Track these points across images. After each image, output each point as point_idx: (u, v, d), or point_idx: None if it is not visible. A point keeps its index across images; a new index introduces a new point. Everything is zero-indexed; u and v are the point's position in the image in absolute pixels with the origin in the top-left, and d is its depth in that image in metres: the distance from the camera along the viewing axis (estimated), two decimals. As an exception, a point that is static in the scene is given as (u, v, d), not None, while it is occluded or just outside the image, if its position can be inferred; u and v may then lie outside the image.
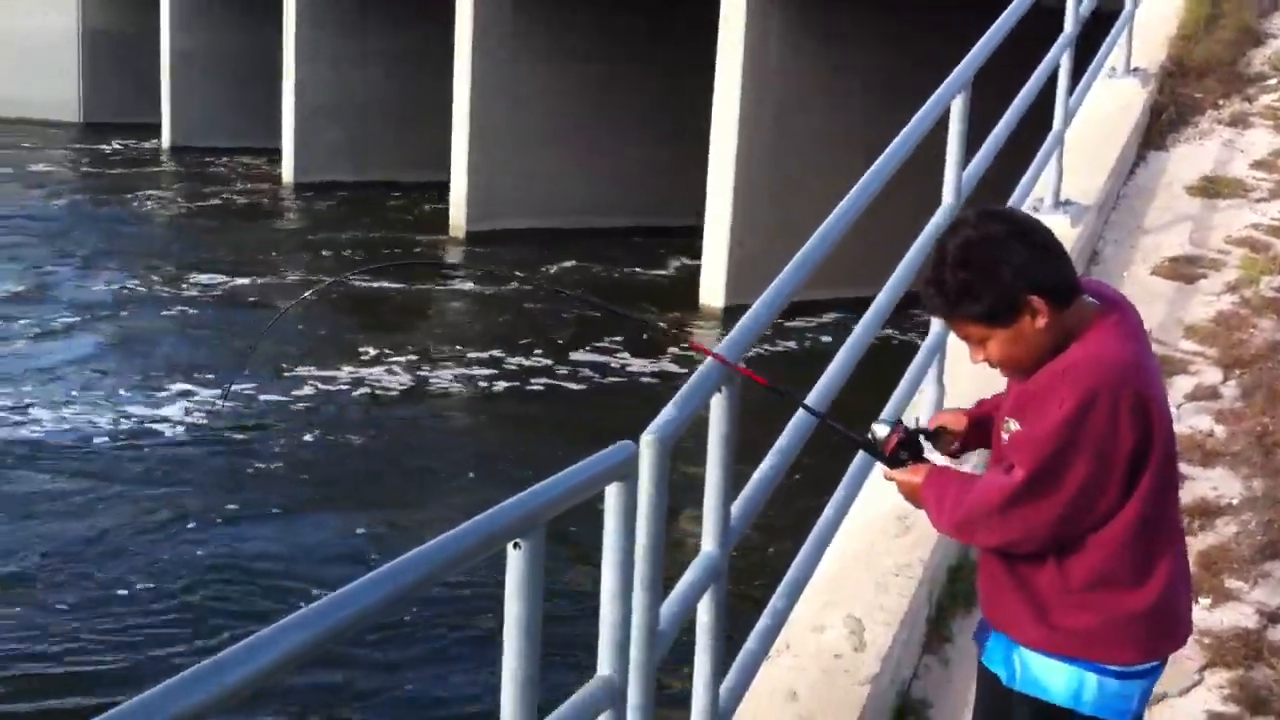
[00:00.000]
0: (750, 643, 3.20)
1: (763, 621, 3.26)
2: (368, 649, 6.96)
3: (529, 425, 11.22)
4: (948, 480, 2.67)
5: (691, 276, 15.69)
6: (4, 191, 21.25)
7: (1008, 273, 2.44)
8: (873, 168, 3.93)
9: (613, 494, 2.28)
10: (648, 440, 2.38)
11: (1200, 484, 4.77)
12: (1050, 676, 2.57)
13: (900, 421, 2.78)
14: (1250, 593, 4.28)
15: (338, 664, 6.75)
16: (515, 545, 1.98)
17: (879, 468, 4.13)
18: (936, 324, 4.58)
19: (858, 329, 3.88)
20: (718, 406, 2.73)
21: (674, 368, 12.87)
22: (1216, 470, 4.82)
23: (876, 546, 4.27)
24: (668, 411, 2.48)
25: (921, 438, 2.82)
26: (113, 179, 23.14)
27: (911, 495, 2.75)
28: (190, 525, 8.63)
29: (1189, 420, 5.11)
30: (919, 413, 4.51)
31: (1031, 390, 2.51)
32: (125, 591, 7.67)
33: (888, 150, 4.06)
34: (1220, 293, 6.18)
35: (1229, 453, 4.93)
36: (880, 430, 2.77)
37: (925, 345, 4.57)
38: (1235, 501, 4.69)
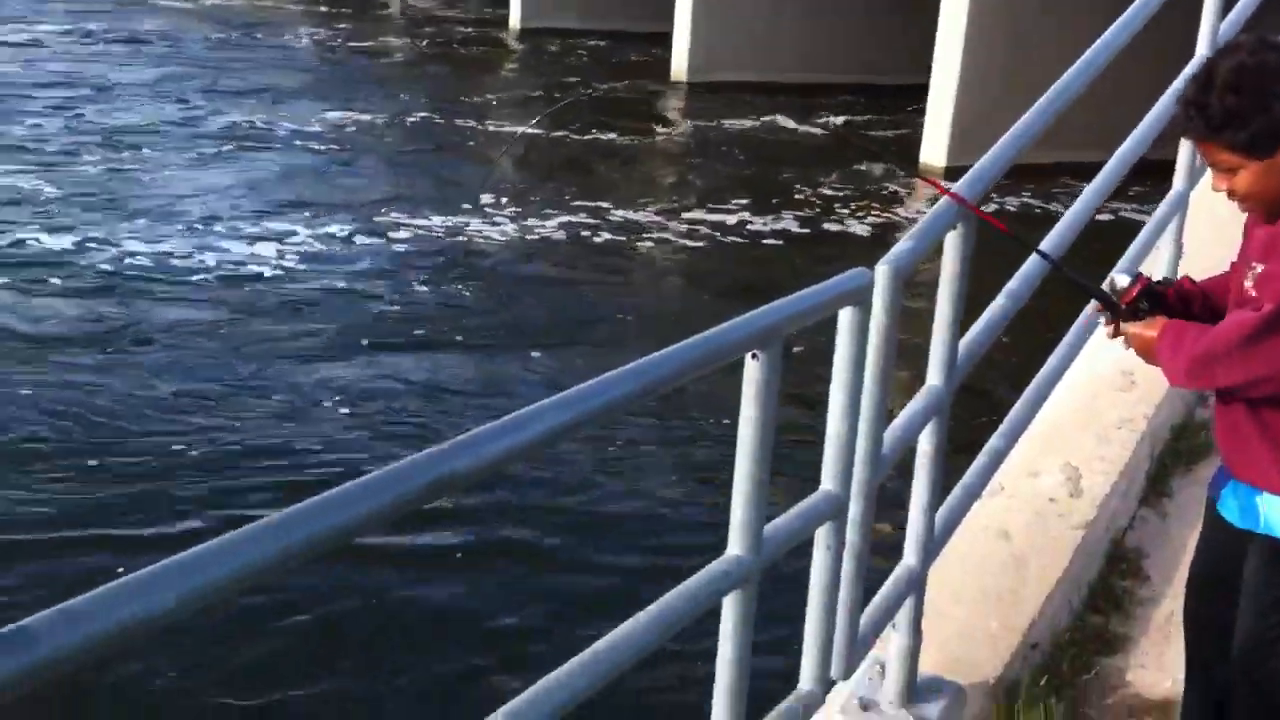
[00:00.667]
0: (967, 478, 3.26)
1: (980, 459, 3.31)
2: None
3: (751, 268, 11.40)
4: (1186, 327, 2.62)
5: (913, 135, 15.40)
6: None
7: (1278, 106, 2.41)
8: (1119, 21, 3.83)
9: (846, 317, 2.36)
10: (883, 268, 2.44)
11: None
12: None
13: (1143, 273, 2.74)
14: None
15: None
16: (754, 356, 2.09)
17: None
18: (1180, 180, 4.47)
19: (1097, 180, 3.82)
20: (952, 243, 2.76)
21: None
22: None
23: (1099, 400, 4.26)
24: (904, 243, 2.53)
25: (1158, 291, 2.76)
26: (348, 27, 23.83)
27: (1145, 348, 2.68)
28: (386, 350, 9.04)
29: None
30: (1153, 272, 4.43)
31: (1267, 234, 2.49)
32: (328, 401, 8.14)
33: (1124, 16, 3.94)
34: None
35: None
36: (1121, 280, 2.73)
37: (1167, 200, 4.47)
38: None
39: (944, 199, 2.71)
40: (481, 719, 1.61)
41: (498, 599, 6.09)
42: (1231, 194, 2.55)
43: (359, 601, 5.98)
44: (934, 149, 14.64)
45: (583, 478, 7.27)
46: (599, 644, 1.94)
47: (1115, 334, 2.77)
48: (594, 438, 7.52)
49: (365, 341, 9.14)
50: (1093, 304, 2.82)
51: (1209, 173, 2.69)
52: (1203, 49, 4.62)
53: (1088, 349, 3.97)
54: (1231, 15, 4.76)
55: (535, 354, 9.24)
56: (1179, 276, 2.98)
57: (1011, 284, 3.27)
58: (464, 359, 9.03)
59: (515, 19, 22.97)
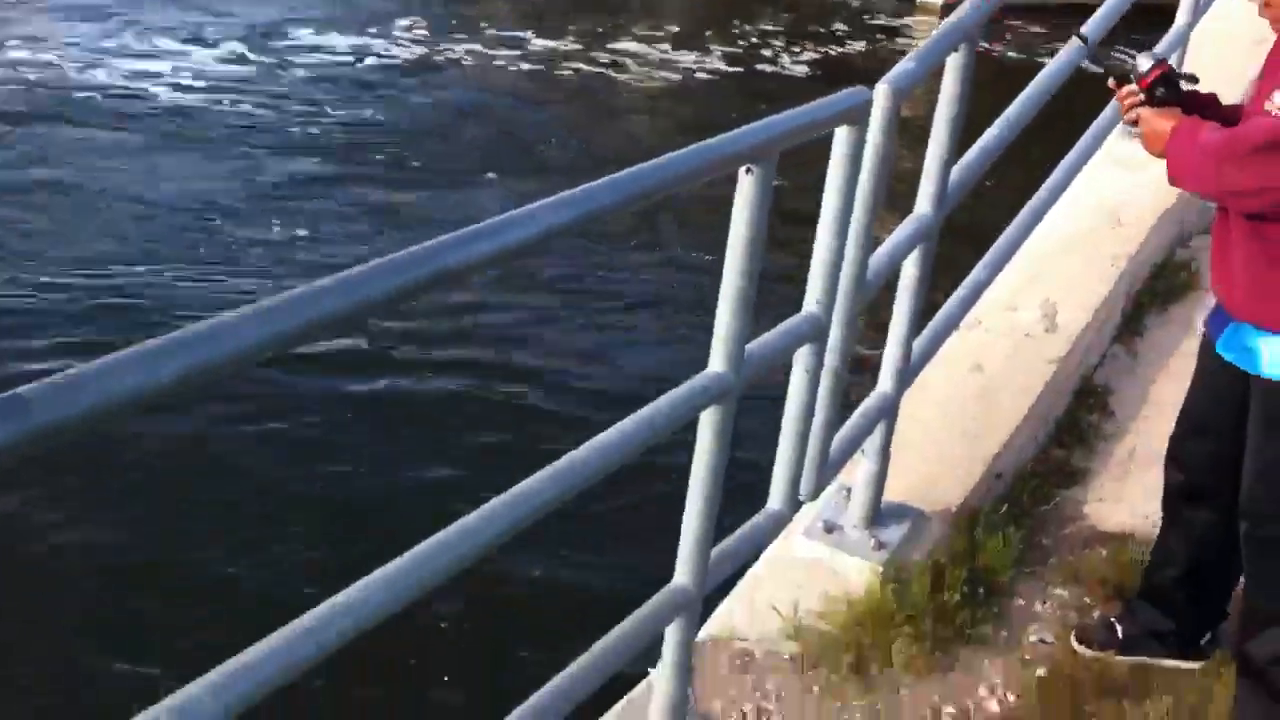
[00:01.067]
0: (946, 308, 3.26)
1: (961, 290, 3.31)
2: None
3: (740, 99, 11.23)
4: (1202, 123, 2.55)
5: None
6: None
7: None
8: None
9: (841, 136, 2.31)
10: (882, 88, 2.39)
11: None
12: None
13: (1165, 60, 2.66)
14: None
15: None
16: (748, 170, 2.05)
17: (1101, 153, 4.07)
18: (1183, 15, 4.39)
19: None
20: (953, 66, 2.71)
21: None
22: None
23: (1082, 236, 4.25)
24: (905, 64, 2.47)
25: (1184, 84, 2.69)
26: None
27: (1156, 137, 2.59)
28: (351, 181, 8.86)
29: None
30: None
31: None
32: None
33: None
34: None
35: None
36: (1144, 63, 2.65)
37: (1168, 35, 4.40)
38: None
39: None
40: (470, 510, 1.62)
41: (480, 417, 6.12)
42: (1266, 8, 2.50)
43: (331, 406, 6.00)
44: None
45: (570, 292, 7.26)
46: (581, 450, 1.95)
47: (1132, 120, 2.68)
48: (583, 248, 7.50)
49: (281, 171, 8.80)
50: (1112, 82, 2.74)
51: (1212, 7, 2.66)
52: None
53: (1077, 183, 3.94)
54: None
55: (491, 176, 9.04)
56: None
57: (1009, 110, 3.22)
58: (419, 185, 8.78)
59: None
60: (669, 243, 7.96)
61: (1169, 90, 2.63)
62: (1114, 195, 4.39)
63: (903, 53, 12.52)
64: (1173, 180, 2.59)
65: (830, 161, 2.34)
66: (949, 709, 2.90)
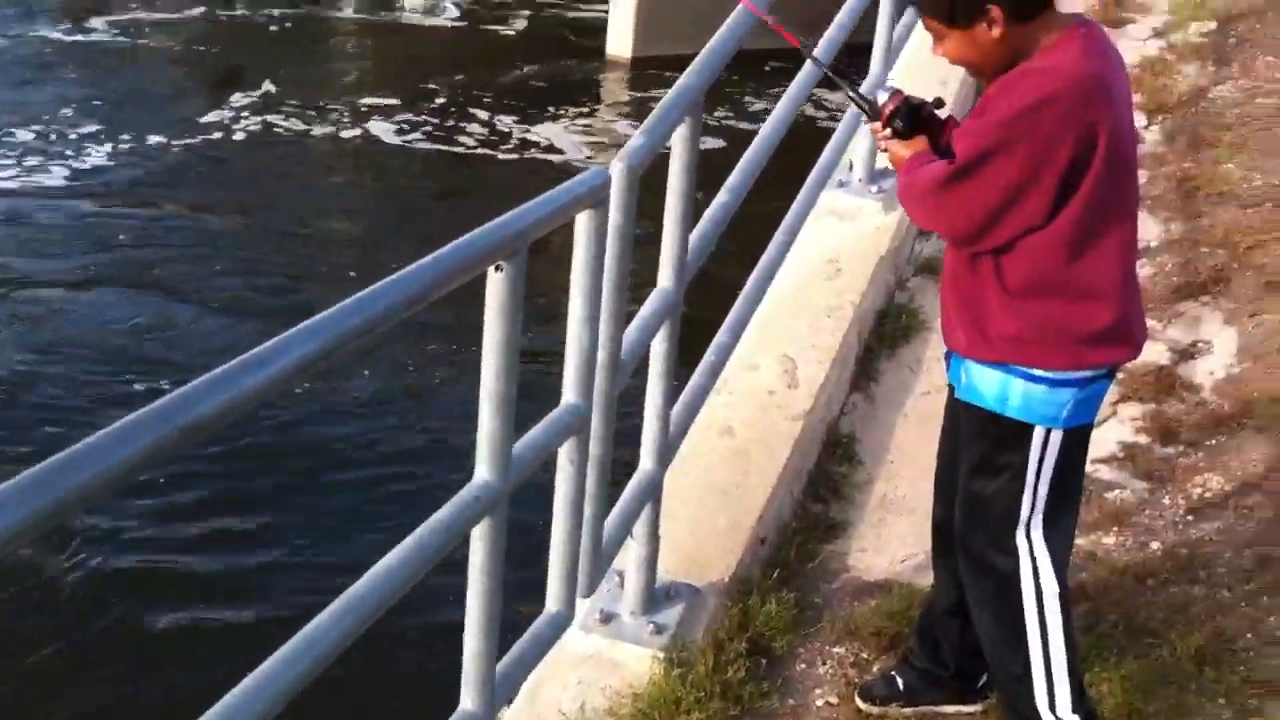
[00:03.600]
0: (696, 377, 3.24)
1: (708, 357, 3.29)
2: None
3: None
4: (920, 158, 2.66)
5: (598, 25, 15.28)
6: None
7: None
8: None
9: (583, 221, 2.24)
10: (618, 167, 2.33)
11: (1121, 228, 4.87)
12: (983, 383, 2.64)
13: (899, 91, 2.72)
14: (1165, 331, 4.42)
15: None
16: (497, 268, 1.95)
17: (819, 206, 4.18)
18: (876, 63, 4.55)
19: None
20: (680, 138, 2.68)
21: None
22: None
23: (810, 288, 4.31)
24: (636, 139, 2.43)
25: (922, 112, 2.74)
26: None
27: (896, 166, 2.73)
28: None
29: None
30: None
31: (990, 94, 2.55)
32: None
33: None
34: (1147, 38, 6.20)
35: (1149, 196, 5.01)
36: (881, 96, 2.73)
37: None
38: (1154, 243, 4.80)
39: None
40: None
41: (242, 551, 5.78)
42: (947, 59, 2.61)
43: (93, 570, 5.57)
44: (619, 40, 14.57)
45: (322, 416, 6.87)
46: (353, 589, 1.79)
47: (883, 150, 2.79)
48: (330, 372, 7.15)
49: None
50: (864, 120, 2.85)
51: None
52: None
53: (801, 237, 4.01)
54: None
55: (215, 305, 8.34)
56: None
57: (731, 179, 3.24)
58: (156, 301, 8.24)
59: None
60: (421, 349, 7.57)
61: (906, 120, 2.69)
62: (834, 246, 4.49)
63: (593, 109, 12.75)
64: (899, 200, 2.76)
65: (574, 247, 2.26)
66: (750, 789, 2.84)
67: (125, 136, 11.04)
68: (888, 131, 2.70)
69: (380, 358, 7.27)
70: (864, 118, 2.85)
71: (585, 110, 13.07)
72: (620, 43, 14.47)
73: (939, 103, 2.72)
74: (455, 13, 16.36)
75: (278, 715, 1.60)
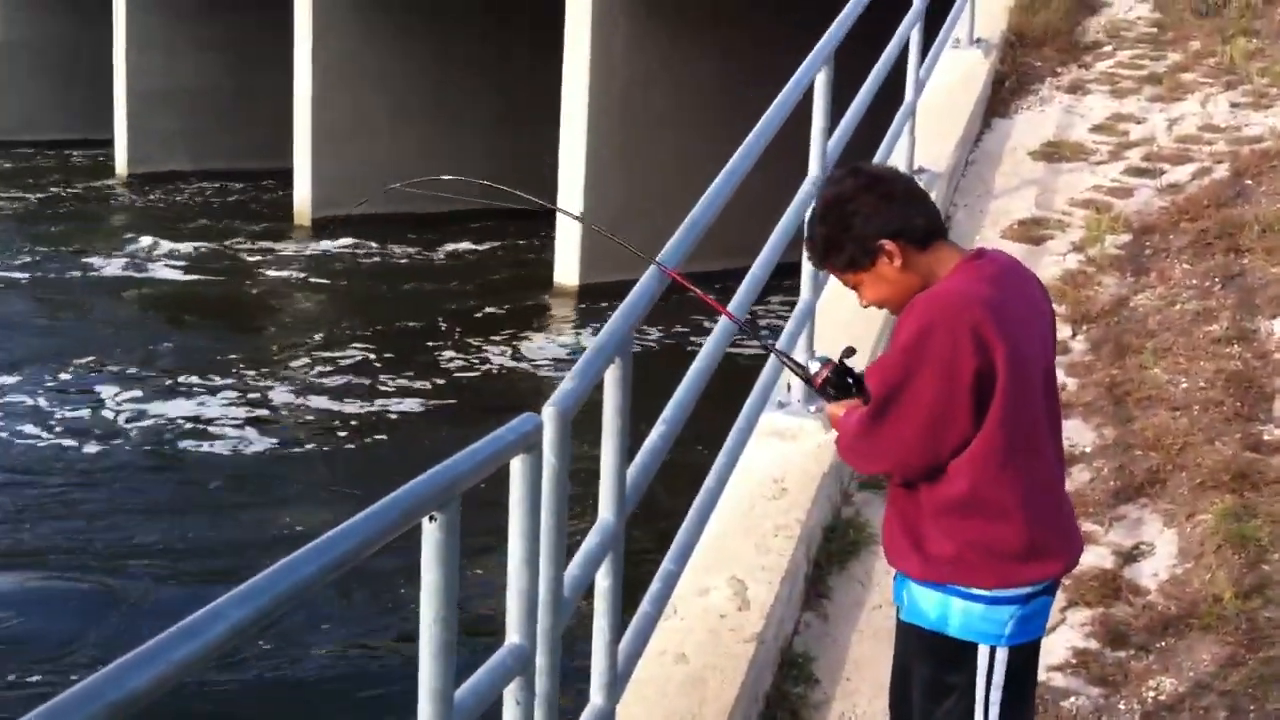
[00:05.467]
0: (644, 606, 3.28)
1: (655, 585, 3.34)
2: (275, 641, 6.85)
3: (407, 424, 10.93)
4: (851, 414, 2.79)
5: (543, 257, 15.70)
6: None
7: (859, 223, 2.68)
8: (746, 142, 4.06)
9: (518, 466, 2.32)
10: (549, 412, 2.43)
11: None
12: (924, 603, 2.71)
13: (830, 360, 2.87)
14: (1106, 535, 4.51)
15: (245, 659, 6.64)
16: (431, 518, 2.02)
17: (759, 427, 4.30)
18: (806, 290, 4.73)
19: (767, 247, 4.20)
20: (611, 379, 2.80)
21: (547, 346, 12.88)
22: (1070, 421, 5.05)
23: (755, 509, 4.39)
24: (566, 383, 2.54)
25: (850, 368, 2.89)
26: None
27: (835, 427, 2.88)
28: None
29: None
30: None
31: (895, 326, 2.72)
32: None
33: (760, 124, 4.19)
34: (1066, 252, 6.46)
35: (1080, 403, 5.17)
36: (813, 366, 2.89)
37: (796, 310, 4.72)
38: (1089, 449, 4.93)
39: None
40: None
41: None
42: (872, 304, 2.76)
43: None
44: (566, 271, 14.98)
45: (256, 671, 6.72)
46: None
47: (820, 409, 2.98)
48: (264, 631, 7.02)
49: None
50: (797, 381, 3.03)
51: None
52: (814, 170, 4.94)
53: (743, 460, 4.11)
54: (833, 139, 5.12)
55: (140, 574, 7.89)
56: None
57: (666, 412, 3.35)
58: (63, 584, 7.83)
59: (122, 164, 22.00)
60: (358, 595, 7.41)
61: (839, 385, 2.85)
62: (776, 466, 4.59)
63: (544, 337, 12.93)
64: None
65: (510, 491, 2.34)
66: None
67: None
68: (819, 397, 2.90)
69: (315, 604, 7.12)
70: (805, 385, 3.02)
71: (536, 334, 13.33)
72: (569, 272, 14.91)
73: (849, 351, 2.88)
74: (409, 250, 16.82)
75: None
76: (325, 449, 10.11)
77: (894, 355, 2.62)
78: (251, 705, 6.43)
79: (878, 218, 2.66)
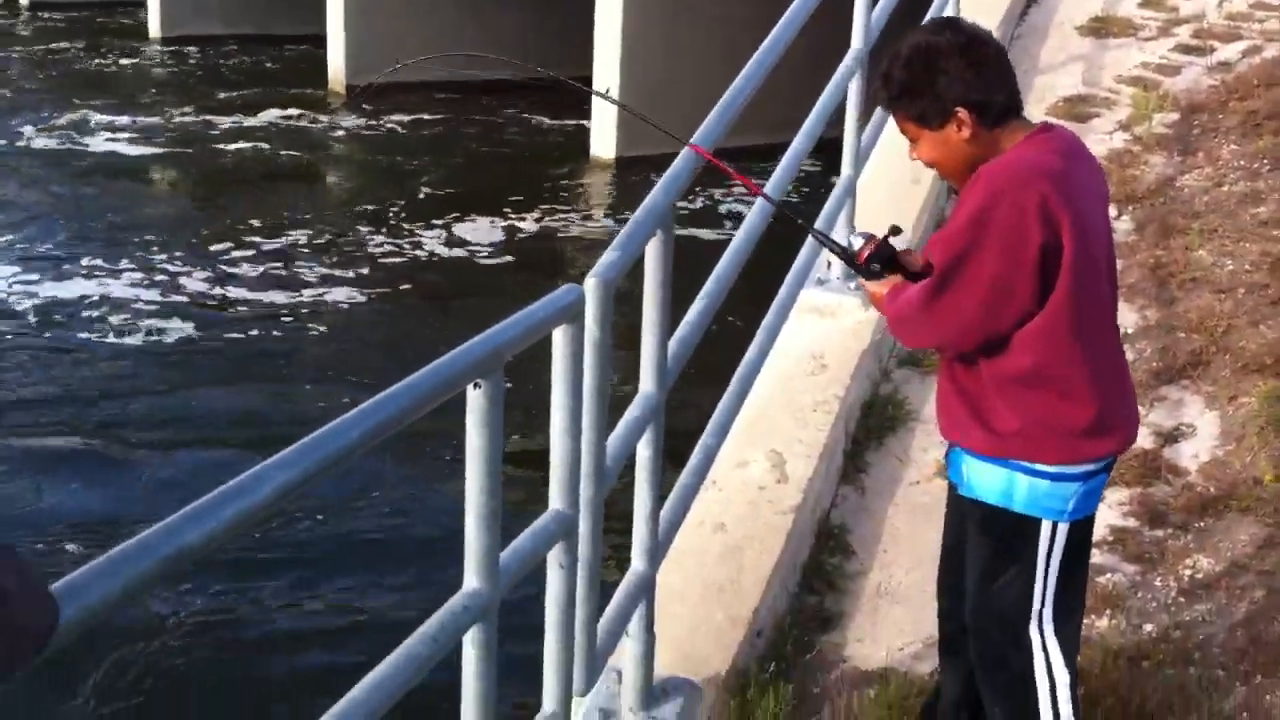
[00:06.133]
0: (684, 477, 3.31)
1: (694, 458, 3.37)
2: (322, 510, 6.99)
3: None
4: (899, 290, 2.76)
5: (581, 130, 15.57)
6: None
7: (943, 82, 2.59)
8: (786, 15, 3.99)
9: (560, 336, 2.34)
10: (592, 282, 2.43)
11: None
12: (986, 479, 2.70)
13: (874, 236, 2.84)
14: (1148, 416, 4.50)
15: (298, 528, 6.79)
16: (475, 385, 2.04)
17: (799, 303, 4.29)
18: (847, 165, 4.68)
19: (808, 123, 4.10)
20: (653, 251, 2.79)
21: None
22: (1113, 301, 5.01)
23: (794, 385, 4.40)
24: (609, 254, 2.53)
25: (895, 246, 2.85)
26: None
27: (878, 305, 2.85)
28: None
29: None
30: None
31: (960, 197, 2.65)
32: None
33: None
34: (1113, 130, 6.35)
35: (1124, 284, 5.11)
36: (856, 241, 2.84)
37: (838, 186, 4.67)
38: (1131, 330, 4.90)
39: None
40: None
41: (226, 663, 5.77)
42: (922, 161, 2.73)
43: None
44: (603, 143, 14.86)
45: (309, 532, 6.89)
46: (342, 703, 1.85)
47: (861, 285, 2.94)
48: (315, 492, 7.18)
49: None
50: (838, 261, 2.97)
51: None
52: (857, 42, 4.85)
53: (783, 335, 4.11)
54: (876, 11, 5.02)
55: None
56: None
57: (706, 286, 3.34)
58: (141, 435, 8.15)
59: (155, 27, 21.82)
60: (405, 467, 7.56)
61: (884, 262, 2.80)
62: (816, 341, 4.59)
63: (584, 211, 12.90)
64: (892, 335, 2.89)
65: (553, 361, 2.36)
66: None
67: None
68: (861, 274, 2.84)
69: (365, 471, 7.25)
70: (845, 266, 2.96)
71: (573, 210, 13.29)
72: (605, 146, 14.79)
73: (895, 230, 2.84)
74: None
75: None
76: (361, 319, 10.20)
77: (958, 226, 2.57)
78: (301, 564, 6.59)
79: (961, 84, 2.58)
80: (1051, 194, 2.51)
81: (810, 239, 4.09)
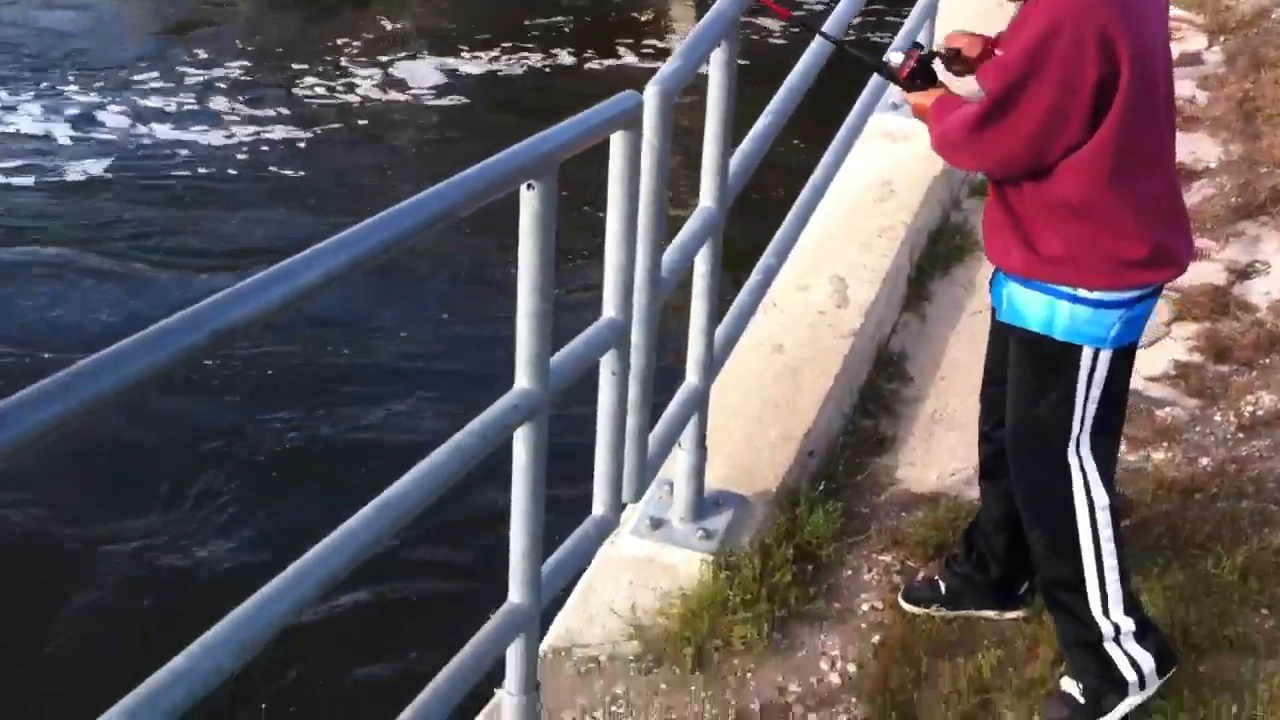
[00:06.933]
0: (742, 295, 3.32)
1: (754, 276, 3.38)
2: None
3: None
4: (949, 103, 2.72)
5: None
6: None
7: None
8: None
9: (618, 142, 2.33)
10: (652, 90, 2.42)
11: (1179, 148, 4.86)
12: (1027, 304, 2.69)
13: (915, 46, 2.79)
14: (1222, 251, 4.43)
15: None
16: (529, 186, 2.05)
17: (869, 128, 4.23)
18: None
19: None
20: (717, 60, 2.76)
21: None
22: (1196, 134, 4.89)
23: (861, 210, 4.37)
24: (672, 62, 2.51)
25: (936, 61, 2.83)
26: None
27: (921, 116, 2.80)
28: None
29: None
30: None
31: (1016, 22, 2.59)
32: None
33: None
34: (1208, -43, 6.10)
35: (1209, 117, 4.99)
36: (895, 57, 2.80)
37: None
38: (1213, 164, 4.79)
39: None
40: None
41: (280, 455, 5.94)
42: None
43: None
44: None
45: (359, 323, 7.04)
46: (400, 483, 1.92)
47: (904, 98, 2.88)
48: (366, 282, 7.28)
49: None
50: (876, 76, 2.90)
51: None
52: None
53: (850, 160, 4.06)
54: None
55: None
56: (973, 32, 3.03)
57: (772, 103, 3.30)
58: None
59: None
60: (457, 264, 7.78)
61: (925, 76, 2.77)
62: (886, 167, 4.54)
63: (665, 42, 12.67)
64: (936, 151, 2.78)
65: (610, 168, 2.36)
66: (794, 687, 2.96)
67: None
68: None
69: (423, 275, 7.32)
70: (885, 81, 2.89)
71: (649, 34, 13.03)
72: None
73: (950, 52, 2.78)
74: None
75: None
76: (434, 119, 10.21)
77: (1016, 53, 2.51)
78: (344, 362, 6.70)
79: None
80: (1111, 22, 2.44)
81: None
